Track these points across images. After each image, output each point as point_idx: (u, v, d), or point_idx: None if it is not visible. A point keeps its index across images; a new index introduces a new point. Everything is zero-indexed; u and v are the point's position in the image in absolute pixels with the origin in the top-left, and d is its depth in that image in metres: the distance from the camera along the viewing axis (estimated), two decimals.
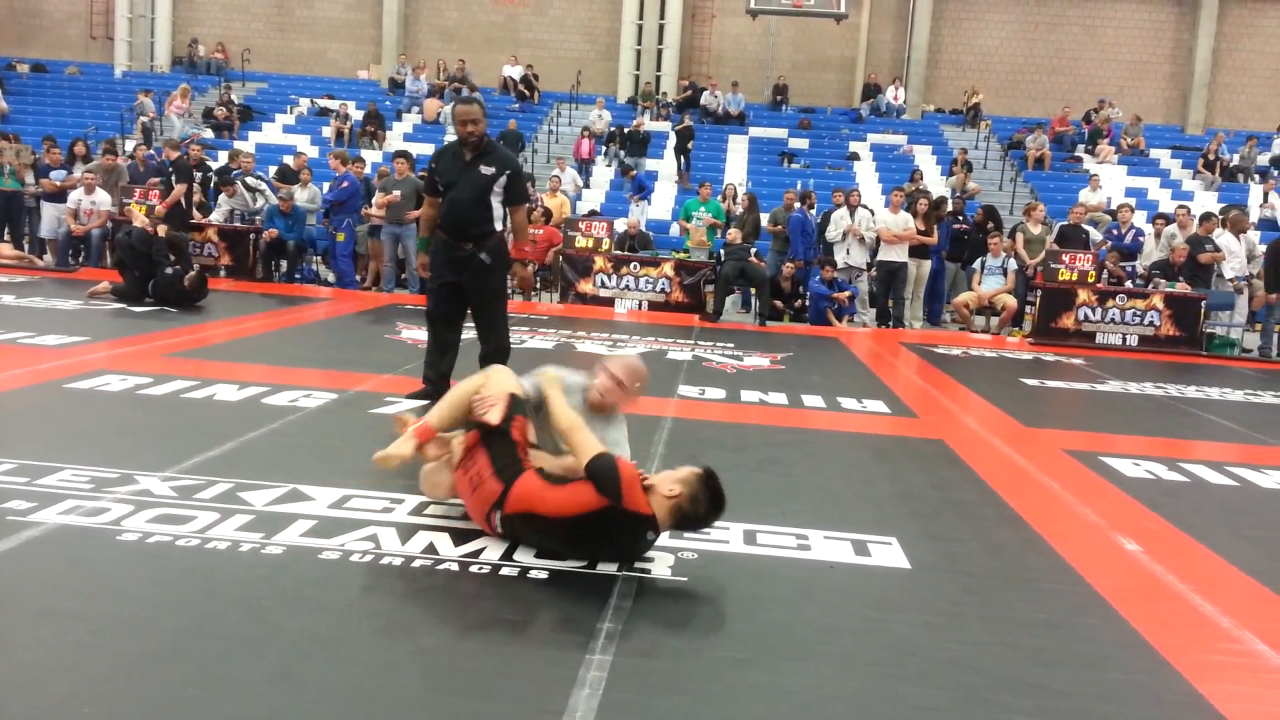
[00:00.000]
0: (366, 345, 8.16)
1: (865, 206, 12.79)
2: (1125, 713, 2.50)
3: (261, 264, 12.41)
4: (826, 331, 11.25)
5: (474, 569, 3.11)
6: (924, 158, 20.21)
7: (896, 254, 12.01)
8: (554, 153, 19.25)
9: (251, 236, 12.42)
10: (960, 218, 13.55)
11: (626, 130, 19.57)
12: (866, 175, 19.23)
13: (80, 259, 12.55)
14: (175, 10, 24.29)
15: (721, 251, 12.13)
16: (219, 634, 2.55)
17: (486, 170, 5.37)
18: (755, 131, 21.51)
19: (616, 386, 3.67)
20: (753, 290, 12.32)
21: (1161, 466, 5.31)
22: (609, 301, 12.33)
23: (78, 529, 3.23)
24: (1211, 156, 19.60)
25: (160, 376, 5.76)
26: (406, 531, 3.40)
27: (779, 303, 12.05)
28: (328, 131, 19.74)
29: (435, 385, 5.49)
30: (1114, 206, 14.94)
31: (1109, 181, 18.50)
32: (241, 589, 2.84)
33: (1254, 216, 15.51)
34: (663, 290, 12.34)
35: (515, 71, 22.49)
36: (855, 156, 20.39)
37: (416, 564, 3.12)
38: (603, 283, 12.38)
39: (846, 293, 11.98)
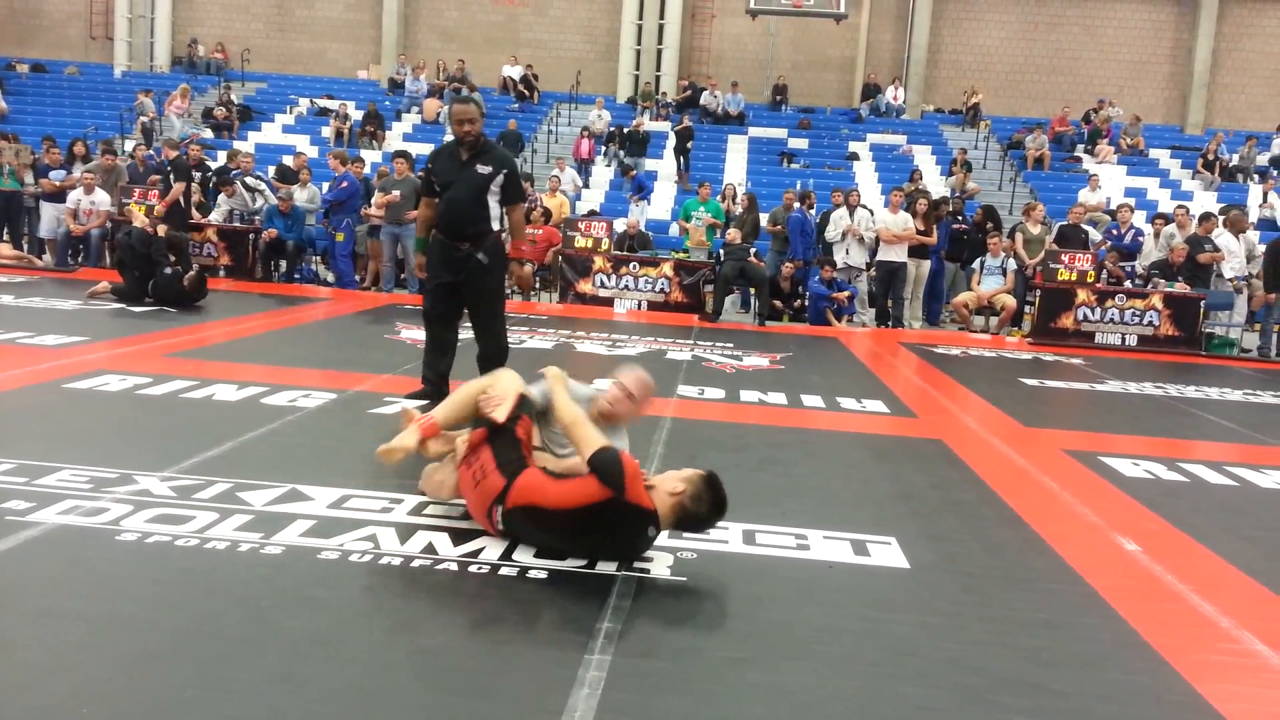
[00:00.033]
0: (366, 345, 8.16)
1: (865, 206, 12.79)
2: (1124, 713, 2.50)
3: (261, 264, 12.41)
4: (826, 331, 11.25)
5: (473, 569, 3.11)
6: (923, 158, 20.21)
7: (896, 254, 12.01)
8: (553, 153, 19.25)
9: (251, 236, 12.42)
10: (959, 218, 13.55)
11: (626, 130, 19.57)
12: (866, 175, 19.23)
13: (79, 259, 12.55)
14: (175, 10, 24.29)
15: (721, 251, 12.14)
16: (218, 634, 2.55)
17: (483, 170, 5.36)
18: (755, 131, 21.51)
19: (627, 398, 3.68)
20: (752, 290, 12.32)
21: (1161, 466, 5.31)
22: (608, 301, 12.33)
23: (77, 529, 3.23)
24: (1211, 156, 19.60)
25: (159, 376, 5.76)
26: (405, 531, 3.40)
27: (778, 303, 12.04)
28: (327, 131, 19.74)
29: (434, 385, 5.49)
30: (1113, 206, 14.95)
31: (1108, 181, 18.50)
32: (241, 589, 2.84)
33: (1253, 216, 15.52)
34: (662, 290, 12.34)
35: (515, 71, 22.50)
36: (855, 156, 20.39)
37: (416, 564, 3.12)
38: (602, 283, 12.38)
39: (846, 293, 11.98)
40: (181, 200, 12.00)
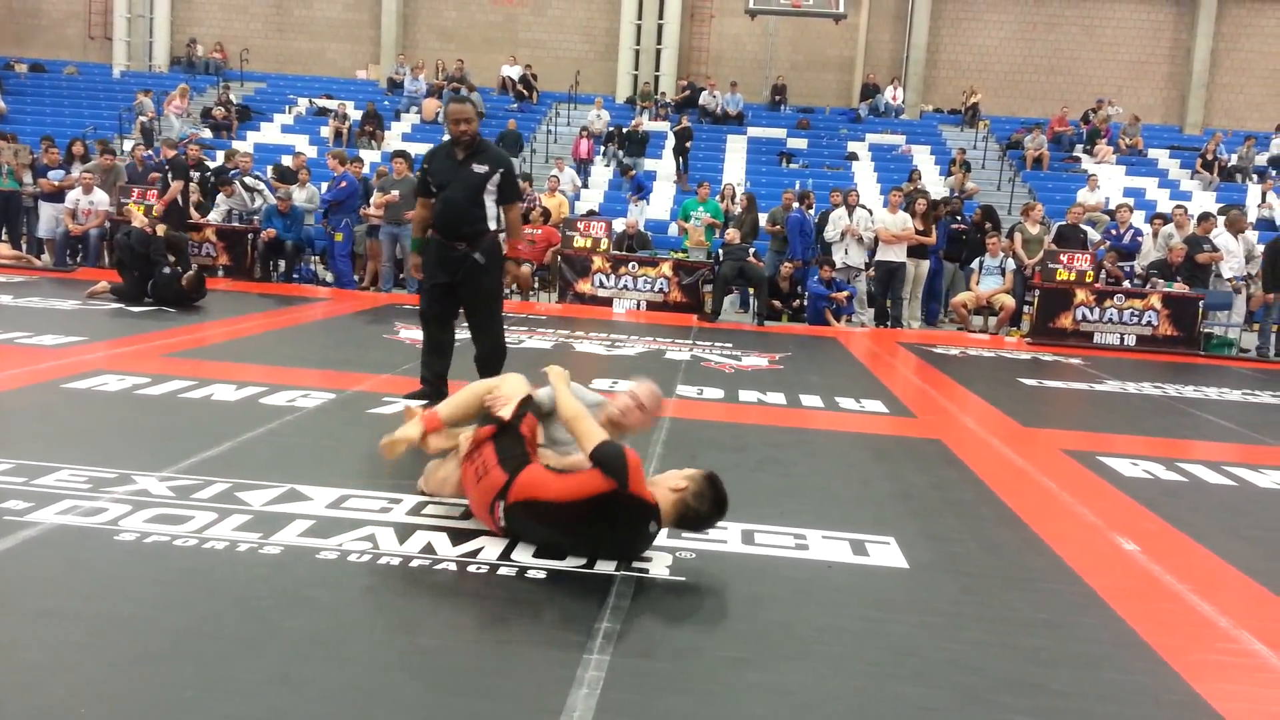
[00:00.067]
0: (364, 345, 8.16)
1: (863, 206, 12.79)
2: (1124, 712, 2.50)
3: (260, 264, 12.41)
4: (825, 331, 11.26)
5: (472, 568, 3.10)
6: (922, 158, 20.23)
7: (895, 254, 12.01)
8: (552, 153, 19.26)
9: (250, 236, 12.42)
10: (958, 218, 13.56)
11: (625, 130, 19.57)
12: (865, 175, 19.24)
13: (78, 259, 12.55)
14: (174, 10, 24.28)
15: (720, 251, 12.14)
16: (218, 634, 2.55)
17: (479, 169, 5.35)
18: (754, 131, 21.52)
19: (638, 409, 3.67)
20: (751, 290, 12.32)
21: (1159, 466, 5.32)
22: (607, 301, 12.33)
23: (75, 529, 3.23)
24: (1209, 156, 19.61)
25: (158, 376, 5.75)
26: (404, 531, 3.39)
27: (777, 303, 12.05)
28: (326, 131, 19.73)
29: (433, 386, 5.49)
30: (1112, 206, 14.97)
31: (1107, 181, 18.51)
32: (240, 589, 2.84)
33: (1252, 216, 15.53)
34: (661, 290, 12.34)
35: (514, 71, 22.50)
36: (854, 156, 20.40)
37: (414, 564, 3.12)
38: (601, 283, 12.38)
39: (845, 293, 11.98)
40: (180, 200, 11.98)
